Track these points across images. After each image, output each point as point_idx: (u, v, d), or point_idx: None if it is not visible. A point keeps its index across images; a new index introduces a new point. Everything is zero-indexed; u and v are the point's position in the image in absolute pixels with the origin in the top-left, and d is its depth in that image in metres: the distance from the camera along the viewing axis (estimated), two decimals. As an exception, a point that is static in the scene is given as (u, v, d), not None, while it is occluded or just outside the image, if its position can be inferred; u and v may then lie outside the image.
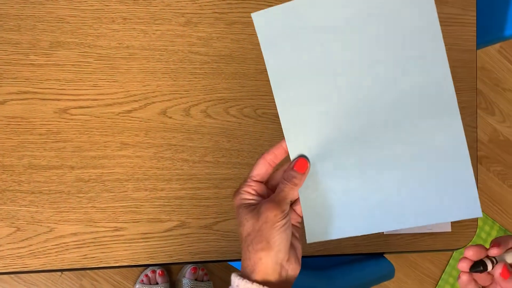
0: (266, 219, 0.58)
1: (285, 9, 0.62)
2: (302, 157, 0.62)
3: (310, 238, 0.64)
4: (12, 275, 1.69)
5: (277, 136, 1.02)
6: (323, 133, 0.62)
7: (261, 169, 0.63)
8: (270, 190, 0.65)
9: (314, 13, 0.61)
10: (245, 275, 0.59)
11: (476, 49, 1.18)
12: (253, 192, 0.62)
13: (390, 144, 0.61)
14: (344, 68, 0.61)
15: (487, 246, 0.67)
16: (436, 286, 2.13)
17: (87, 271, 1.73)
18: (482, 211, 2.17)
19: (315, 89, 0.62)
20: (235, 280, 0.59)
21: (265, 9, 0.62)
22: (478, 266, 0.61)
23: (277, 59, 0.62)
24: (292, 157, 0.63)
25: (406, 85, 0.60)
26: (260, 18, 0.62)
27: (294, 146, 0.63)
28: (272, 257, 0.58)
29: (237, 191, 0.63)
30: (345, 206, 0.63)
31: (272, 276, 0.58)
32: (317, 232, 0.64)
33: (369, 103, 0.61)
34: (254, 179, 0.63)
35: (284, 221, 0.59)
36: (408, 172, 0.61)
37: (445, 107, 0.61)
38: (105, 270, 1.75)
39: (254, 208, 0.60)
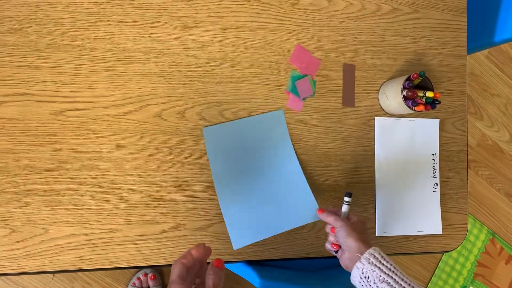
0: None
1: (223, 128, 1.02)
2: (217, 259, 0.78)
3: (235, 246, 1.00)
4: (3, 278, 1.68)
5: (272, 139, 1.03)
6: (241, 198, 1.03)
7: (183, 270, 0.74)
8: None
9: (237, 134, 1.03)
10: None
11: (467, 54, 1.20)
12: None
13: (274, 197, 1.04)
14: (252, 167, 1.04)
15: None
16: (425, 289, 2.15)
17: (79, 273, 1.72)
18: (471, 214, 2.19)
19: (236, 180, 1.02)
20: None
21: (212, 126, 1.01)
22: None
23: (217, 161, 1.02)
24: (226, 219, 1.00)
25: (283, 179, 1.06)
26: (208, 132, 1.01)
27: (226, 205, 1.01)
28: None
29: None
30: (251, 225, 1.02)
31: None
32: (238, 242, 1.00)
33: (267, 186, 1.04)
34: (182, 278, 0.73)
35: None
36: (283, 207, 1.04)
37: (301, 191, 1.06)
38: (96, 272, 1.74)
39: None
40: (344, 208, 0.97)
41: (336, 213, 0.98)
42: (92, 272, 1.74)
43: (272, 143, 1.05)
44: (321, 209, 0.98)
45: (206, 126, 1.01)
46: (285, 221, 1.04)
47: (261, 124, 1.05)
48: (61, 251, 0.94)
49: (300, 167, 1.06)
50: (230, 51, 1.04)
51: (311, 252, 1.07)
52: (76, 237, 0.95)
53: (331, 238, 0.97)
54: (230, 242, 1.01)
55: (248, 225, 1.02)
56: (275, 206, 1.04)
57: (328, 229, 0.97)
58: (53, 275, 1.70)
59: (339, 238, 0.91)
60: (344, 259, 0.90)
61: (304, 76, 1.08)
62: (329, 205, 1.08)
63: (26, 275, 1.69)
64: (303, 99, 1.07)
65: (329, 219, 0.95)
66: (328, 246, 0.98)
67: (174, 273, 0.74)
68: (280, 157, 1.06)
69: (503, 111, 2.34)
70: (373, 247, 0.86)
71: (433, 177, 1.15)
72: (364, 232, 0.93)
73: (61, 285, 1.71)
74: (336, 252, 0.95)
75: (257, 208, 1.03)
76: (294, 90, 1.07)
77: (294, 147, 1.07)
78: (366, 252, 0.85)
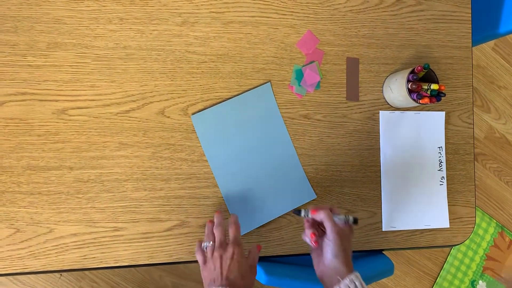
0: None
1: (212, 112, 1.02)
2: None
3: (242, 231, 1.02)
4: (11, 278, 1.68)
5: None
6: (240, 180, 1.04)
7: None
8: None
9: (226, 115, 1.03)
10: None
11: (472, 46, 1.19)
12: None
13: (269, 173, 1.06)
14: (244, 148, 1.04)
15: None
16: (434, 283, 2.13)
17: (86, 273, 1.72)
18: (479, 207, 2.17)
19: (231, 161, 1.03)
20: None
21: (201, 112, 1.01)
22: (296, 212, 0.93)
23: (209, 143, 1.02)
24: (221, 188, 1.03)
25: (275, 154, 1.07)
26: (198, 118, 1.01)
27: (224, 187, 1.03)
28: None
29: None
30: (253, 210, 1.04)
31: None
32: (244, 227, 1.03)
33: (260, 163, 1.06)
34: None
35: None
36: (280, 192, 1.06)
37: (293, 166, 1.07)
38: (104, 271, 1.74)
39: None
40: (341, 219, 0.88)
41: (330, 214, 0.88)
42: (99, 271, 1.74)
43: (262, 118, 1.05)
44: (315, 209, 0.89)
45: (194, 113, 1.01)
46: (282, 200, 1.05)
47: (249, 101, 1.04)
48: (65, 250, 0.94)
49: (289, 138, 1.07)
50: (232, 46, 1.04)
51: (317, 247, 1.06)
52: (81, 236, 0.95)
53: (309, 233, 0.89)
54: (235, 238, 1.01)
55: (251, 207, 1.04)
56: (271, 183, 1.05)
57: (308, 234, 0.88)
58: (60, 275, 1.71)
59: (326, 252, 0.84)
60: (321, 270, 0.86)
61: (311, 63, 1.07)
62: (333, 200, 1.07)
63: (33, 275, 1.69)
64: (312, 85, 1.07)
65: (328, 224, 0.86)
66: (307, 239, 0.89)
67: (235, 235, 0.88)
68: (271, 132, 1.06)
69: (510, 103, 2.32)
70: (354, 273, 0.81)
71: (439, 170, 1.14)
72: (350, 248, 0.86)
73: (68, 284, 1.72)
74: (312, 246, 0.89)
75: (254, 187, 1.04)
76: (297, 85, 1.06)
77: (297, 142, 1.07)
78: (347, 278, 0.81)
